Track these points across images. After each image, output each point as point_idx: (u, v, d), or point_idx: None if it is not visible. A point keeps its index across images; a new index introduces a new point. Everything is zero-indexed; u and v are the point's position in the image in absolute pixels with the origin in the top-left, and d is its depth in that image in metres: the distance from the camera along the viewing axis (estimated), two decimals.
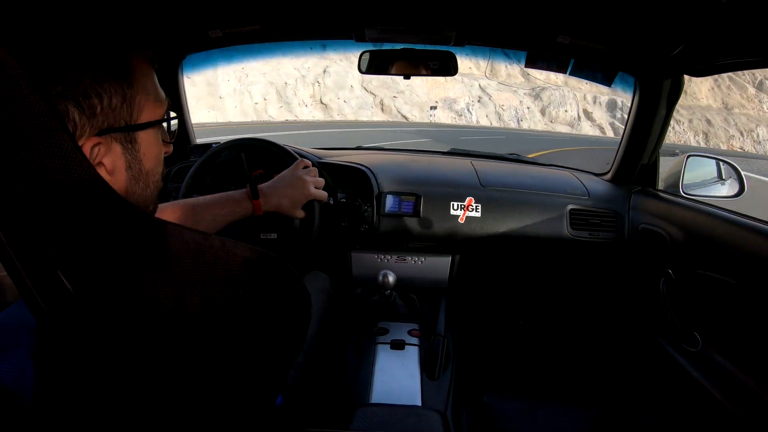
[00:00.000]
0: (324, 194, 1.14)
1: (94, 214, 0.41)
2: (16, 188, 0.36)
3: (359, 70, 1.47)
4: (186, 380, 0.43)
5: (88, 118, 0.43)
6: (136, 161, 0.49)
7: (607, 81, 1.51)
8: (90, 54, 0.43)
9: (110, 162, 0.45)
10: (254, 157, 1.41)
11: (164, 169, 0.56)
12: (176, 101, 1.63)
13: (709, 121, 32.20)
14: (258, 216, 1.26)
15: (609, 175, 1.70)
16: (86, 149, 0.43)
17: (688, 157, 1.47)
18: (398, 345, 1.33)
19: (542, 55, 1.49)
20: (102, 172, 0.44)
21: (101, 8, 0.44)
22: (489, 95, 26.45)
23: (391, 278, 1.36)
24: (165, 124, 0.54)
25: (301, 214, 1.10)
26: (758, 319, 1.07)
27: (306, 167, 1.11)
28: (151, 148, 0.51)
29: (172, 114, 0.57)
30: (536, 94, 28.40)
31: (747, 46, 1.08)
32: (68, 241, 0.39)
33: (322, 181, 1.12)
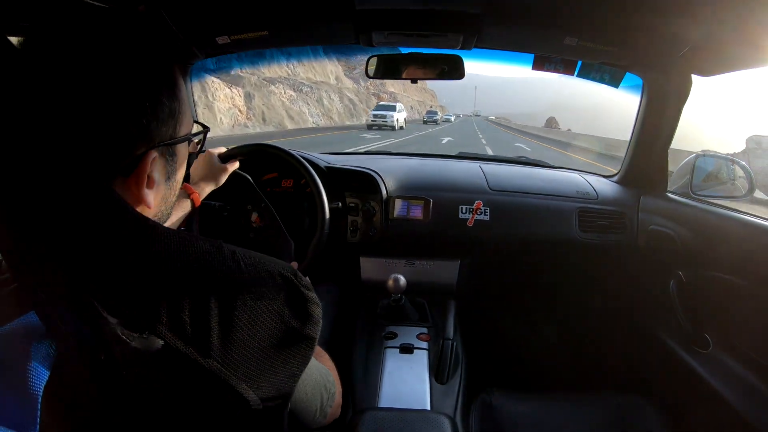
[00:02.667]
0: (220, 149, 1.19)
1: (113, 233, 0.42)
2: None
3: (367, 75, 1.48)
4: (195, 385, 0.43)
5: (146, 135, 0.44)
6: (173, 172, 0.51)
7: (614, 82, 1.51)
8: (147, 77, 0.44)
9: (156, 175, 0.47)
10: (263, 161, 1.42)
11: None
12: None
13: None
14: (267, 223, 1.27)
15: (618, 177, 1.69)
16: (145, 163, 0.44)
17: (698, 157, 1.46)
18: (407, 349, 1.34)
19: (550, 57, 1.49)
20: (148, 184, 0.46)
21: (135, 29, 0.46)
22: None
23: (401, 282, 1.36)
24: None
25: (227, 169, 1.16)
26: None
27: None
28: (184, 159, 0.53)
29: (198, 128, 0.58)
30: None
31: (755, 44, 1.08)
32: (96, 267, 0.40)
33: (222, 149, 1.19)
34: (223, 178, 1.15)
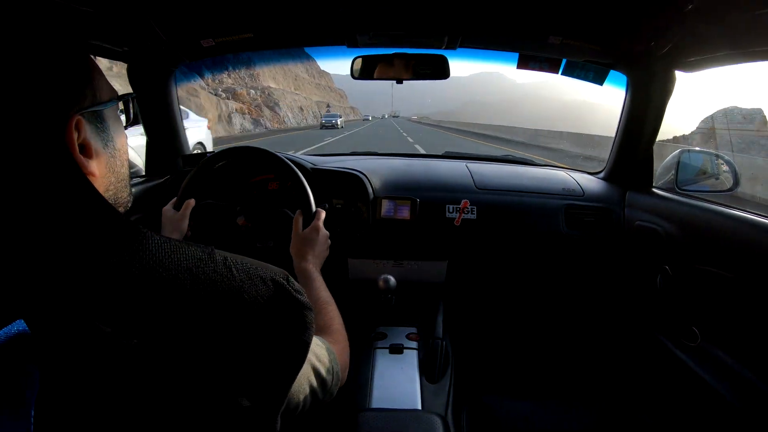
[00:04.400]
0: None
1: (101, 241, 0.42)
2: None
3: (352, 76, 1.48)
4: (183, 395, 0.43)
5: (63, 102, 0.46)
6: (110, 139, 0.53)
7: (599, 80, 1.52)
8: (53, 51, 0.46)
9: (92, 142, 0.49)
10: (251, 164, 1.42)
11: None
12: (169, 111, 1.63)
13: None
14: (254, 225, 1.28)
15: (603, 174, 1.71)
16: (70, 127, 0.46)
17: (683, 153, 1.47)
18: (397, 349, 1.33)
19: (534, 56, 1.50)
20: (86, 155, 0.48)
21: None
22: None
23: (391, 282, 1.36)
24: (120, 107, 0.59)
25: (185, 215, 1.21)
26: (755, 311, 1.08)
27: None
28: (117, 126, 0.55)
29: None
30: None
31: (736, 40, 1.09)
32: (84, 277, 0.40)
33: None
34: (185, 224, 1.20)
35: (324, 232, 1.14)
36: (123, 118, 0.60)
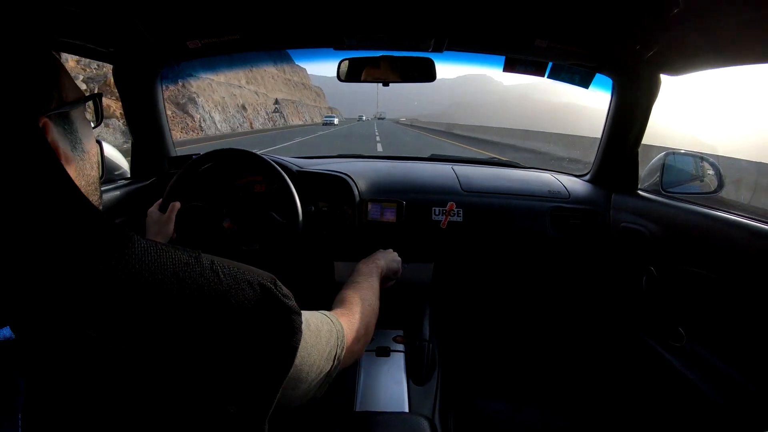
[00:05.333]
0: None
1: (87, 245, 0.42)
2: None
3: (338, 78, 1.48)
4: (170, 400, 0.43)
5: (28, 105, 0.45)
6: (78, 141, 0.52)
7: (584, 83, 1.53)
8: (15, 53, 0.46)
9: (60, 145, 0.48)
10: (237, 166, 1.42)
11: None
12: (155, 112, 1.62)
13: None
14: (240, 227, 1.27)
15: (589, 176, 1.72)
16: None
17: (668, 155, 1.48)
18: (383, 352, 1.33)
19: (520, 59, 1.51)
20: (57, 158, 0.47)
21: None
22: None
23: None
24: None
25: (171, 218, 1.21)
26: (740, 311, 1.08)
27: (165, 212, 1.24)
28: (85, 127, 0.54)
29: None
30: None
31: (722, 44, 1.10)
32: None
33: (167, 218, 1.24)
34: (171, 227, 1.20)
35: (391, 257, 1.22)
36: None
